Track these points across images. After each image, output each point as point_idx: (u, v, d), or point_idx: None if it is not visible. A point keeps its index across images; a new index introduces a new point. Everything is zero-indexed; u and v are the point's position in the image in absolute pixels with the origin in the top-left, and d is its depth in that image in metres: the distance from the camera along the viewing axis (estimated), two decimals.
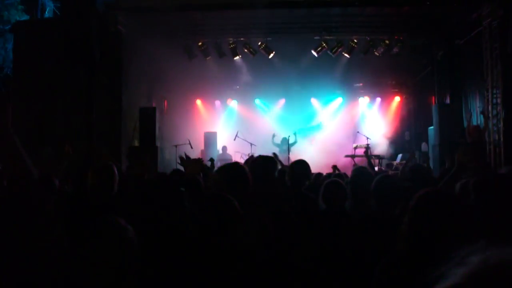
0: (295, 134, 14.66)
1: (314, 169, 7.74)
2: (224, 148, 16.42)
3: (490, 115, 11.43)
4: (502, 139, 10.91)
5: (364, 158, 13.81)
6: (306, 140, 16.46)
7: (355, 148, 14.79)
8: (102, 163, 4.49)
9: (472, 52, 12.56)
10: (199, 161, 5.07)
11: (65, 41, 10.79)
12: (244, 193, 3.34)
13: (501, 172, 3.95)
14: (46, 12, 23.94)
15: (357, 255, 3.38)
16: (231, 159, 15.29)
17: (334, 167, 8.86)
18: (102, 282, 2.21)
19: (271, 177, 3.94)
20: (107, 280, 2.22)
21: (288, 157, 13.25)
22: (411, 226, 2.35)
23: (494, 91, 11.35)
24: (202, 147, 16.33)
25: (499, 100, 11.20)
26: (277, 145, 14.46)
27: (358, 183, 4.62)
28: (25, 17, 22.69)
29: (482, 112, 11.71)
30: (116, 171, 4.14)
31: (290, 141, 14.38)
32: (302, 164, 5.11)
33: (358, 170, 5.20)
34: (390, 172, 10.31)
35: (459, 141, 11.56)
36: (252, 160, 4.48)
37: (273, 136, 15.07)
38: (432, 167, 11.98)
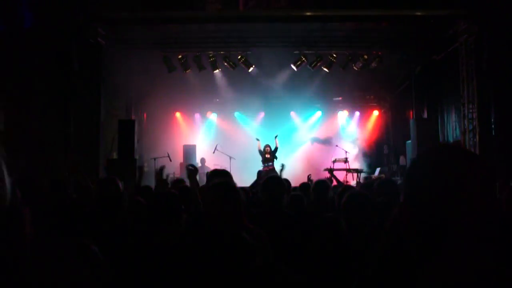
0: (276, 137, 14.22)
1: (292, 183, 7.77)
2: (203, 160, 16.32)
3: (466, 129, 11.62)
4: (477, 153, 11.07)
5: (344, 171, 13.95)
6: (285, 153, 16.39)
7: (334, 161, 14.85)
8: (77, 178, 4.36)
9: (449, 68, 12.76)
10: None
11: (43, 52, 10.69)
12: None
13: None
14: (24, 22, 23.67)
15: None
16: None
17: (309, 176, 8.92)
18: None
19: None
20: None
21: (274, 167, 13.06)
22: (388, 244, 2.20)
23: (470, 106, 11.55)
24: (181, 160, 16.22)
25: (474, 115, 11.41)
26: (260, 153, 14.13)
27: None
28: (1, 27, 22.37)
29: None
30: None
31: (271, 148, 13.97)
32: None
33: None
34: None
35: None
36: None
37: (257, 140, 14.52)
38: None
